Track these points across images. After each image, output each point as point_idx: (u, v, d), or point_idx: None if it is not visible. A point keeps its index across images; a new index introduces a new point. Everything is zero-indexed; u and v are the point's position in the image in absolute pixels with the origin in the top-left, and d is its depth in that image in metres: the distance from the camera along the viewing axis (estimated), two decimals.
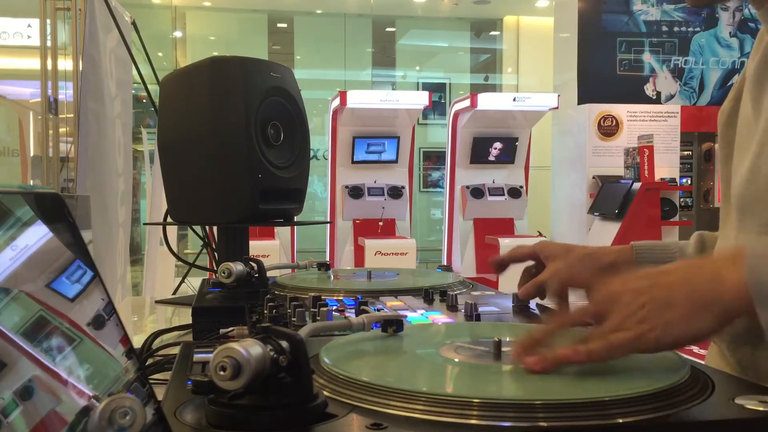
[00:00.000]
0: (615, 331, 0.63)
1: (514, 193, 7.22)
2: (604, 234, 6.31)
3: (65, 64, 3.29)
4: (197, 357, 0.72)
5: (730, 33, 7.74)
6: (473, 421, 0.51)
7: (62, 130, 3.38)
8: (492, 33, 10.98)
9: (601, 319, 0.65)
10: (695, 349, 0.95)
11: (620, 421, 0.51)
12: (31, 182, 4.00)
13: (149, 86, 2.93)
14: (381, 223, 6.79)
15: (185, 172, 1.57)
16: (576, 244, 1.03)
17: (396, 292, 1.13)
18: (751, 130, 0.79)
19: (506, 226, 7.14)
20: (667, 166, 6.98)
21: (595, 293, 0.68)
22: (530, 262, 1.05)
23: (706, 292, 0.62)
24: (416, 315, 0.95)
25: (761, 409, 0.53)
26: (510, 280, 1.10)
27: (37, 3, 3.22)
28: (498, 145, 7.21)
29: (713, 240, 1.01)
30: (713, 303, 0.62)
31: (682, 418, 0.53)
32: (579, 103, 7.26)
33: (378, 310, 0.94)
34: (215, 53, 1.74)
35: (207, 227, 1.97)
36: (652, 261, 1.00)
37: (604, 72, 7.50)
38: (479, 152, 7.26)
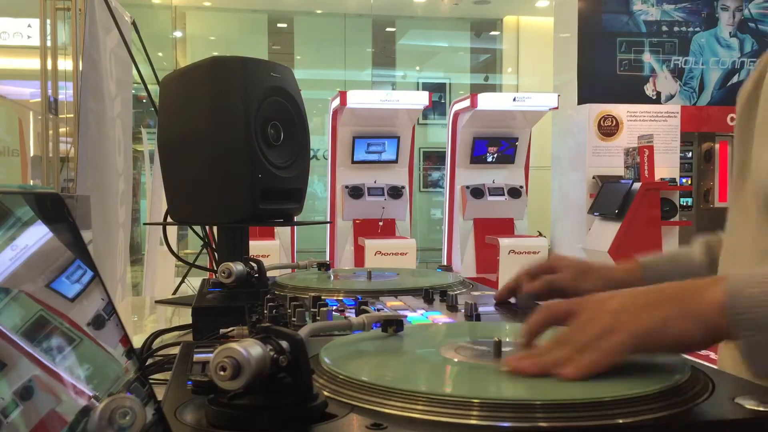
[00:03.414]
0: (582, 348, 0.61)
1: (514, 193, 7.22)
2: (604, 234, 6.31)
3: (65, 64, 3.29)
4: (197, 357, 0.72)
5: (730, 33, 7.74)
6: (473, 421, 0.51)
7: (62, 130, 3.37)
8: (492, 33, 10.98)
9: (574, 317, 0.65)
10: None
11: (620, 421, 0.51)
12: (31, 182, 3.99)
13: (149, 86, 2.93)
14: (381, 223, 6.79)
15: (185, 172, 1.57)
16: (590, 264, 1.05)
17: (396, 292, 1.13)
18: None
19: (506, 226, 7.14)
20: (667, 166, 6.98)
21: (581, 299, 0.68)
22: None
23: (686, 301, 0.62)
24: (416, 315, 0.95)
25: (761, 409, 0.53)
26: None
27: (37, 3, 3.22)
28: (493, 149, 7.22)
29: (719, 244, 1.00)
30: (693, 311, 0.61)
31: (682, 418, 0.53)
32: (579, 103, 7.26)
33: (378, 310, 0.94)
34: (215, 53, 1.74)
35: (207, 227, 1.97)
36: (661, 275, 1.00)
37: (604, 72, 7.50)
38: (479, 152, 7.26)
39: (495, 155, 7.29)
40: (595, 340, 0.62)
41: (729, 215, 0.91)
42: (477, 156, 7.29)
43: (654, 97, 7.63)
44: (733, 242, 0.88)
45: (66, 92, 3.30)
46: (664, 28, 7.67)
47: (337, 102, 6.79)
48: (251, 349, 0.50)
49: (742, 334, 0.59)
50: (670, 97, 7.69)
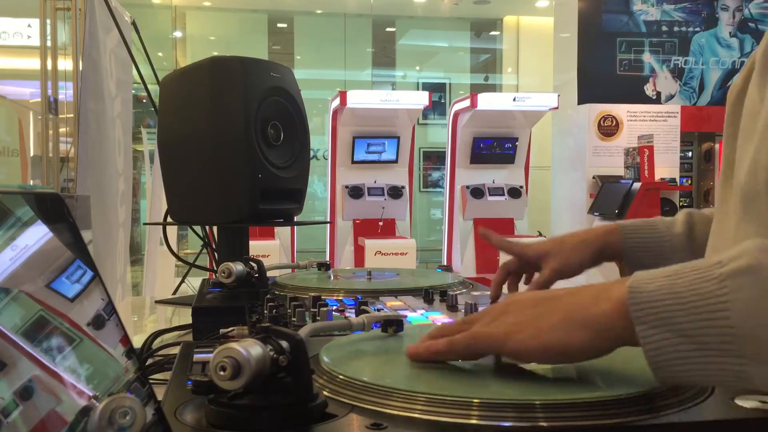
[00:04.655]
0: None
1: (514, 193, 7.22)
2: None
3: (65, 64, 3.29)
4: (197, 357, 0.72)
5: (730, 33, 7.74)
6: (473, 421, 0.51)
7: (62, 130, 3.38)
8: (492, 33, 10.98)
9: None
10: None
11: (620, 421, 0.51)
12: (31, 182, 4.00)
13: (149, 86, 2.93)
14: (381, 223, 6.79)
15: (185, 172, 1.57)
16: (564, 234, 1.04)
17: (396, 292, 1.13)
18: (756, 119, 0.79)
19: (506, 226, 7.13)
20: (667, 166, 6.98)
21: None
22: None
23: (586, 308, 0.60)
24: (416, 315, 0.95)
25: (761, 409, 0.53)
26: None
27: (37, 3, 3.22)
28: (498, 151, 7.23)
29: (702, 219, 1.01)
30: (591, 319, 0.59)
31: (682, 418, 0.53)
32: (579, 103, 7.26)
33: (378, 310, 0.94)
34: (215, 53, 1.74)
35: (207, 227, 1.97)
36: (639, 241, 1.00)
37: (604, 72, 7.50)
38: (479, 152, 7.26)
39: (496, 156, 7.29)
40: (498, 321, 0.63)
41: (715, 216, 0.91)
42: (477, 156, 7.28)
43: (654, 97, 7.63)
44: (718, 243, 0.88)
45: (66, 92, 3.30)
46: (664, 28, 7.67)
47: (337, 102, 6.79)
48: (251, 349, 0.50)
49: (640, 333, 0.56)
50: (670, 97, 7.68)
